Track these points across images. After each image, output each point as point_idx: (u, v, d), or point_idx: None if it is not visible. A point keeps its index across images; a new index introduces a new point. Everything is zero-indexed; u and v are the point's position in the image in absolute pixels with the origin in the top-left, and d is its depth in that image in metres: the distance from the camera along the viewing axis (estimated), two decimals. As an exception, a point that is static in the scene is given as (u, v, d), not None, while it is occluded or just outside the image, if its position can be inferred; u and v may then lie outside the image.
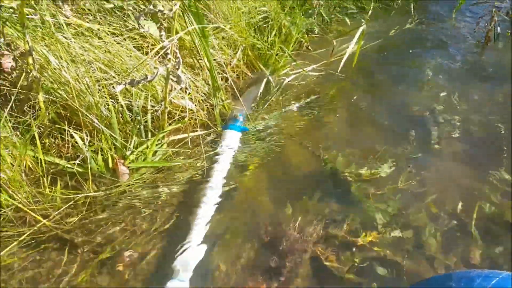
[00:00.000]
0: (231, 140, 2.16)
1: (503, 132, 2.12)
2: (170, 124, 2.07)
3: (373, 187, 1.88)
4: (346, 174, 1.96)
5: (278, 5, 2.96)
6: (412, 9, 3.47)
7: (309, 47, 3.21)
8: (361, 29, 2.57)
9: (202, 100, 2.33)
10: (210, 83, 2.27)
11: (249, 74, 2.78)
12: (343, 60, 2.61)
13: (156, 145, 1.91)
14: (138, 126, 1.93)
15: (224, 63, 2.64)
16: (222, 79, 2.63)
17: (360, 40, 2.61)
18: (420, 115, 2.31)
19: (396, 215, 1.73)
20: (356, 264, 1.55)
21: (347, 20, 3.45)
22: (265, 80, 2.63)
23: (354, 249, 1.60)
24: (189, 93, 2.25)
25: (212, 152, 2.06)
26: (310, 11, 3.10)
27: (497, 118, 2.20)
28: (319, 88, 2.68)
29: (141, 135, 1.92)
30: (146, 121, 1.97)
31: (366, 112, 2.43)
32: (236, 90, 2.47)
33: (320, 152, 2.11)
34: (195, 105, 2.24)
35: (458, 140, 2.10)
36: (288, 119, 2.40)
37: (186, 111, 2.11)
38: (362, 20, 3.53)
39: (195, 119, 2.22)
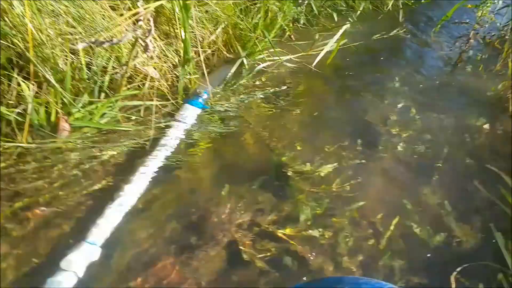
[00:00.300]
0: (188, 115, 2.16)
1: (446, 155, 2.13)
2: (129, 89, 2.06)
3: (310, 184, 1.90)
4: (289, 168, 1.97)
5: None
6: (400, 17, 3.43)
7: (292, 37, 3.18)
8: (344, 28, 2.54)
9: (168, 70, 2.31)
10: (181, 54, 2.25)
11: (225, 53, 2.75)
12: (319, 56, 2.59)
13: (107, 107, 1.91)
14: (93, 86, 1.91)
15: (202, 37, 2.61)
16: (195, 53, 2.60)
17: (341, 39, 2.59)
18: (375, 123, 2.31)
19: (321, 214, 1.76)
20: (268, 254, 1.59)
21: (335, 16, 3.41)
22: (239, 61, 2.61)
23: (271, 240, 1.64)
24: (156, 62, 2.23)
25: (165, 124, 2.06)
26: (300, 0, 3.06)
27: (445, 141, 2.21)
28: (290, 79, 2.67)
29: (94, 95, 1.91)
30: (103, 82, 1.95)
31: (327, 111, 2.43)
32: (207, 66, 2.46)
33: (272, 143, 2.13)
34: (160, 75, 2.22)
35: (401, 155, 2.11)
36: (252, 105, 2.39)
37: (147, 79, 2.10)
38: (349, 19, 3.50)
39: (157, 88, 2.21)
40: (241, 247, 1.59)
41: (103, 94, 1.93)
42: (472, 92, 2.67)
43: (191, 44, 2.52)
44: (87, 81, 1.90)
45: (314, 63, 2.65)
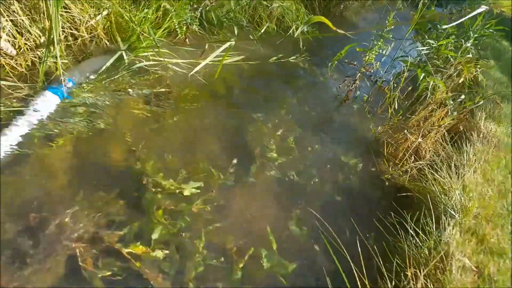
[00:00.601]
0: (45, 103, 2.03)
1: (316, 188, 2.30)
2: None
3: (169, 201, 1.89)
4: (150, 180, 1.95)
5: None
6: (301, 44, 3.67)
7: (187, 40, 3.21)
8: (227, 44, 2.62)
9: (30, 48, 2.17)
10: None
11: (105, 42, 2.67)
12: (197, 68, 2.62)
13: None
14: None
15: (80, 20, 2.50)
16: (71, 36, 2.49)
17: (225, 55, 2.66)
18: (253, 146, 2.41)
19: (174, 235, 1.76)
20: (110, 273, 1.54)
21: (235, 30, 3.53)
22: (117, 54, 2.55)
23: (116, 258, 1.59)
24: (14, 36, 2.08)
25: (13, 109, 1.92)
26: (195, 6, 3.11)
27: (318, 174, 2.39)
28: (175, 85, 2.67)
29: None
30: None
31: (206, 125, 2.47)
32: (81, 53, 2.36)
33: (138, 149, 2.10)
34: (16, 52, 2.07)
35: (272, 182, 2.23)
36: (125, 104, 2.34)
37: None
38: (250, 36, 3.65)
39: (12, 67, 2.06)
40: (81, 264, 1.52)
41: None
42: (353, 131, 2.95)
43: (67, 25, 2.41)
44: None
45: (191, 73, 2.67)
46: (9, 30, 2.02)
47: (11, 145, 1.80)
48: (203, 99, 2.69)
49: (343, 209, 2.25)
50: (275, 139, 2.53)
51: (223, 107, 2.69)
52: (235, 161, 2.25)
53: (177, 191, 1.96)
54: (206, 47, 2.84)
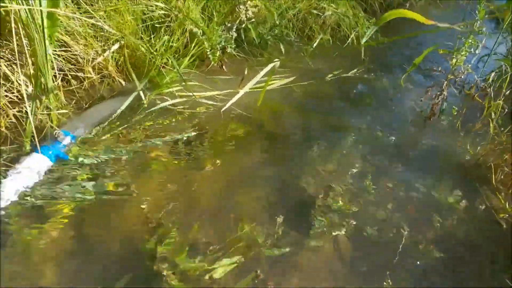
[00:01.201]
0: (30, 170, 1.57)
1: (406, 246, 1.60)
2: None
3: (195, 290, 1.33)
4: (167, 264, 1.40)
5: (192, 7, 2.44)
6: (363, 54, 3.02)
7: (224, 67, 2.70)
8: (269, 67, 2.07)
9: (15, 101, 1.75)
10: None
11: (120, 81, 2.22)
12: (233, 100, 2.08)
13: None
14: None
15: (85, 58, 2.07)
16: (76, 79, 2.06)
17: (269, 79, 2.10)
18: (312, 195, 1.78)
19: None
20: None
21: (282, 48, 2.98)
22: (133, 95, 2.08)
23: None
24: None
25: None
26: (229, 25, 2.59)
27: (406, 223, 1.70)
28: (209, 122, 2.16)
29: None
30: None
31: (250, 172, 1.90)
32: (89, 98, 1.94)
33: (157, 219, 1.56)
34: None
35: (342, 244, 1.56)
36: (144, 157, 1.85)
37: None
38: (302, 53, 3.07)
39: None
40: None
41: None
42: (445, 155, 2.19)
43: (67, 67, 1.99)
44: None
45: (224, 108, 2.13)
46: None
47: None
48: (245, 136, 2.13)
49: (449, 272, 1.54)
50: (341, 179, 1.88)
51: (270, 144, 2.10)
52: (285, 218, 1.63)
53: (207, 275, 1.38)
54: (246, 72, 2.29)
